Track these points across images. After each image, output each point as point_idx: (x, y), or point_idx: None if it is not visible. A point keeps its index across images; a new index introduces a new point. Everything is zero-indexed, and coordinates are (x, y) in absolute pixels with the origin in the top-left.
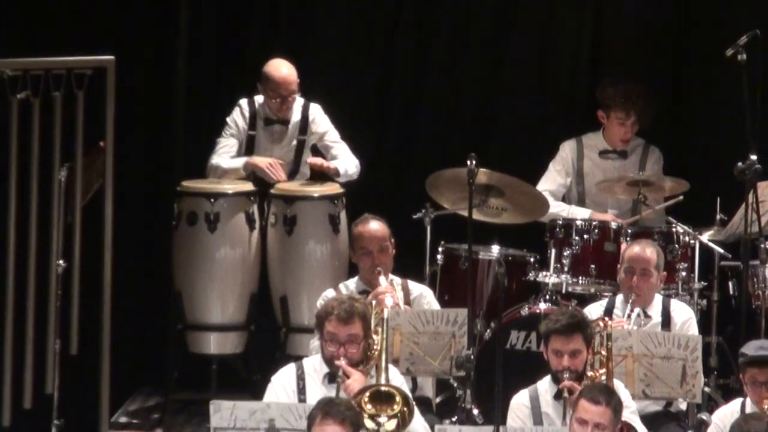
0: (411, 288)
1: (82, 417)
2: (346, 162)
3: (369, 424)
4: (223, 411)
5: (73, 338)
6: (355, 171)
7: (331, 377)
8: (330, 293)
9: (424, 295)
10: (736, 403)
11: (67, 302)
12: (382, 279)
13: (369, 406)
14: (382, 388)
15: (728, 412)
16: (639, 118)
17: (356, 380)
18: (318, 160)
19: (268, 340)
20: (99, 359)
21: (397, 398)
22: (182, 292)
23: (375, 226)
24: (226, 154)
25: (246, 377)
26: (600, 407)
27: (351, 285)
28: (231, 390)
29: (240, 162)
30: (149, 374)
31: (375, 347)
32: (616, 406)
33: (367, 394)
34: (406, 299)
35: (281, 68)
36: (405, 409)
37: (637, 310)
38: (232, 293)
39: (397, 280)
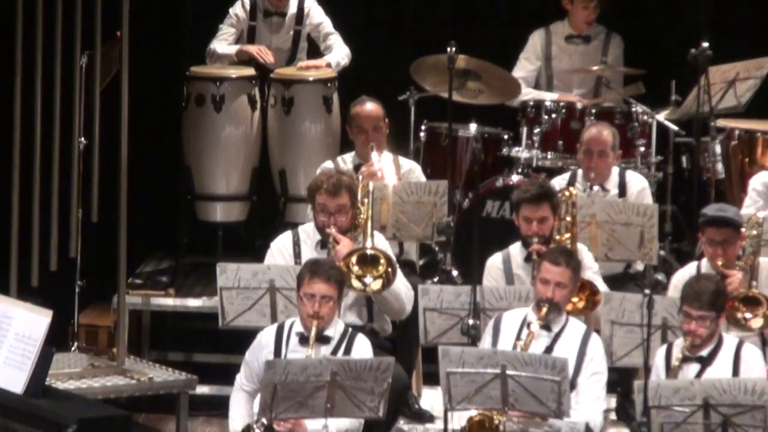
0: (402, 163)
1: (102, 278)
2: (337, 53)
3: (356, 284)
4: (228, 272)
5: (94, 207)
6: (346, 61)
7: (323, 243)
8: (328, 164)
9: (413, 169)
10: (692, 266)
11: (88, 175)
12: (374, 155)
13: (356, 268)
14: (368, 252)
15: (686, 273)
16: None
17: (345, 246)
18: (311, 63)
19: (269, 208)
20: (117, 226)
21: (382, 260)
22: (191, 166)
23: (370, 106)
24: (224, 41)
25: (248, 242)
26: (560, 268)
27: (348, 159)
28: (235, 254)
29: (233, 49)
30: (162, 240)
31: (361, 216)
32: (576, 266)
33: (355, 256)
34: (397, 173)
35: None
36: (389, 269)
37: (596, 187)
38: (236, 167)
39: (390, 156)
